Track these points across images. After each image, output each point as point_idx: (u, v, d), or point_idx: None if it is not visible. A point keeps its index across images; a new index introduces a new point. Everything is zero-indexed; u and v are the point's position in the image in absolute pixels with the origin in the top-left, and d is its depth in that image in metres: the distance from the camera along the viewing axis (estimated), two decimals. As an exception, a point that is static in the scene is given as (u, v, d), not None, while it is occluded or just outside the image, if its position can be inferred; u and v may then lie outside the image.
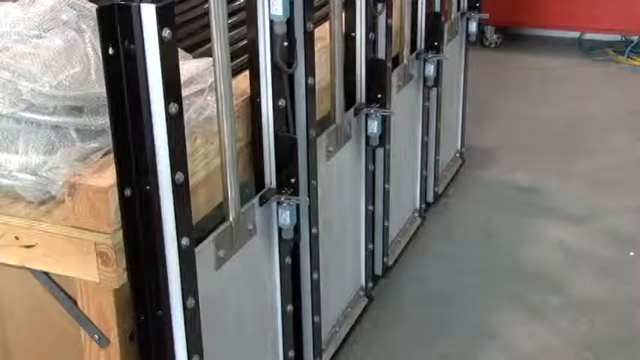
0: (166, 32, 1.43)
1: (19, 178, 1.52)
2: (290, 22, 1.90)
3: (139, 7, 1.41)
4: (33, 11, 1.55)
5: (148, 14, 1.41)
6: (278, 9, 1.83)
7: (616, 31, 5.26)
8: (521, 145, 4.06)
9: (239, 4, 2.60)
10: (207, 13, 1.71)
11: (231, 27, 2.27)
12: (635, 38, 5.17)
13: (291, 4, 1.88)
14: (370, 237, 2.76)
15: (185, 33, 2.49)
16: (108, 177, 1.53)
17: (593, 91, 4.74)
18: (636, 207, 3.46)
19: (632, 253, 3.10)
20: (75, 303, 1.64)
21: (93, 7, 1.65)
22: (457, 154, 3.84)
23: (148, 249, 1.54)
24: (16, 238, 1.58)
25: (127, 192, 1.48)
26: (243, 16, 2.35)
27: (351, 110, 2.51)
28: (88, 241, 1.53)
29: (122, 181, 1.48)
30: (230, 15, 2.25)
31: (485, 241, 3.23)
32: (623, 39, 5.30)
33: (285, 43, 1.90)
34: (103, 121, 1.56)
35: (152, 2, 1.40)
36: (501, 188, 3.65)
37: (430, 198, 3.42)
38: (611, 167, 3.82)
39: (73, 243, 1.54)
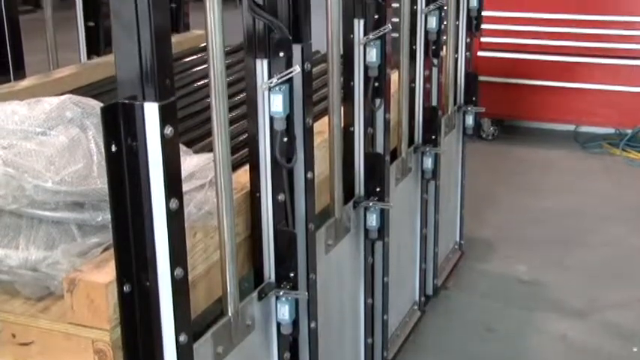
0: (168, 130, 1.45)
1: (19, 274, 1.52)
2: (290, 118, 1.93)
3: (143, 105, 1.44)
4: (39, 109, 1.59)
5: (151, 112, 1.44)
6: (278, 106, 1.87)
7: (610, 124, 5.34)
8: (519, 236, 4.07)
9: (240, 98, 2.66)
10: (208, 108, 1.75)
11: (232, 121, 2.31)
12: (628, 131, 5.24)
13: (291, 100, 1.91)
14: (369, 331, 2.74)
15: (186, 127, 2.53)
16: (107, 272, 1.53)
17: (590, 183, 4.78)
18: (637, 300, 3.44)
19: (635, 349, 3.06)
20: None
21: (97, 105, 1.69)
22: (456, 246, 3.84)
23: (146, 345, 1.52)
24: (13, 335, 1.57)
25: (127, 288, 1.48)
26: (244, 110, 2.40)
27: (350, 203, 2.52)
28: (86, 338, 1.52)
29: (122, 276, 1.48)
30: (230, 109, 2.29)
31: (485, 335, 3.20)
32: (617, 132, 5.38)
33: (285, 139, 1.93)
34: (104, 216, 1.57)
35: (155, 101, 1.44)
36: (501, 280, 3.64)
37: (429, 291, 3.41)
38: (610, 260, 3.82)
39: (71, 340, 1.53)
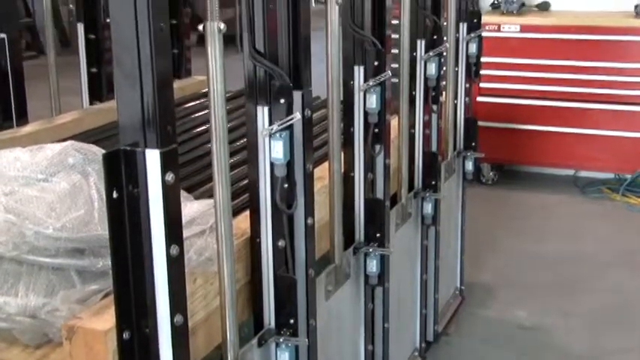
0: (169, 176, 1.46)
1: (18, 321, 1.52)
2: (290, 164, 1.94)
3: (144, 152, 1.45)
4: (41, 156, 1.60)
5: (153, 159, 1.45)
6: (279, 152, 1.88)
7: (610, 169, 5.36)
8: (520, 282, 4.05)
9: (240, 144, 2.67)
10: (209, 153, 1.76)
11: (233, 166, 2.32)
12: (628, 176, 5.26)
13: (292, 146, 1.93)
14: (370, 377, 2.71)
15: (187, 172, 2.54)
16: (107, 320, 1.52)
17: (591, 228, 4.78)
18: (639, 346, 3.42)
19: (637, 396, 3.04)
20: None
21: (99, 151, 1.70)
22: (457, 292, 3.83)
23: (145, 393, 1.51)
24: (11, 382, 1.56)
25: (126, 335, 1.47)
26: (244, 156, 2.42)
27: (350, 249, 2.52)
28: (84, 385, 1.51)
29: (121, 323, 1.47)
30: (231, 154, 2.30)
31: (487, 382, 3.17)
32: (617, 177, 5.40)
33: (286, 185, 1.94)
34: (105, 262, 1.57)
35: (156, 147, 1.45)
36: (502, 326, 3.62)
37: (430, 337, 3.38)
38: (611, 306, 3.80)
39: (69, 387, 1.52)
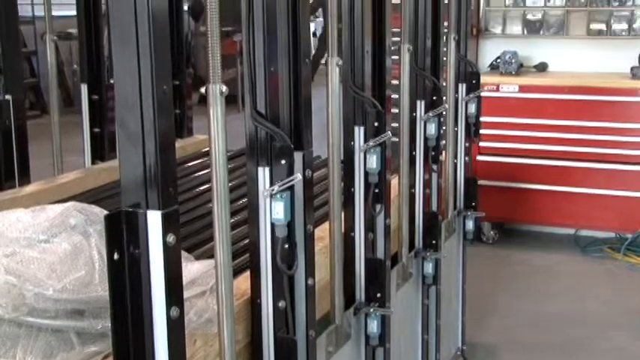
0: (171, 238, 1.47)
1: (16, 385, 1.51)
2: (291, 225, 1.94)
3: (146, 213, 1.45)
4: (43, 216, 1.61)
5: (154, 220, 1.45)
6: (279, 213, 1.89)
7: (611, 228, 5.35)
8: (522, 342, 4.02)
9: (241, 203, 2.68)
10: (209, 213, 1.76)
11: (233, 226, 2.32)
12: (629, 236, 5.25)
13: (292, 207, 1.93)
14: None
15: (188, 232, 2.55)
16: (105, 382, 1.51)
17: (592, 288, 4.75)
18: (643, 409, 3.37)
19: None
20: None
21: (101, 212, 1.71)
22: (458, 352, 3.79)
23: None
24: None
25: (124, 397, 1.46)
26: (245, 215, 2.42)
27: (351, 309, 2.51)
28: None
29: (120, 386, 1.46)
30: (232, 214, 2.31)
31: None
32: (618, 236, 5.39)
33: (286, 246, 1.94)
34: (104, 324, 1.57)
35: (158, 209, 1.45)
36: (504, 388, 3.58)
37: (432, 398, 3.34)
38: (615, 367, 3.76)
39: None
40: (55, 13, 3.45)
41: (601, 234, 5.45)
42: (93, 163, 3.48)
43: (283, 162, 1.90)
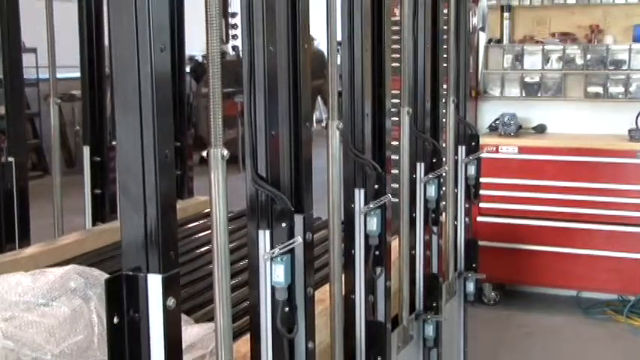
0: (171, 301, 1.47)
1: None
2: (291, 288, 1.94)
3: (146, 277, 1.46)
4: (43, 280, 1.60)
5: (154, 284, 1.45)
6: (280, 276, 1.89)
7: (613, 290, 5.32)
8: (525, 406, 3.96)
9: (242, 265, 2.68)
10: (210, 275, 1.76)
11: (234, 288, 2.31)
12: (632, 298, 5.22)
13: (293, 270, 1.93)
14: None
15: (187, 294, 2.54)
16: None
17: (595, 352, 4.70)
18: None
19: None
20: None
21: (101, 275, 1.71)
22: (460, 417, 3.73)
23: None
24: None
25: None
26: (246, 277, 2.42)
27: (351, 373, 2.49)
28: None
29: None
30: (232, 276, 2.31)
31: None
32: (621, 298, 5.35)
33: (286, 309, 1.93)
34: (102, 389, 1.55)
35: (158, 272, 1.45)
36: None
37: None
38: None
39: None
40: (58, 75, 3.50)
41: (603, 296, 5.41)
42: (94, 224, 3.49)
43: (284, 225, 1.91)
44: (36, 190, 3.55)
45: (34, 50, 7.39)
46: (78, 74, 3.57)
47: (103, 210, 3.51)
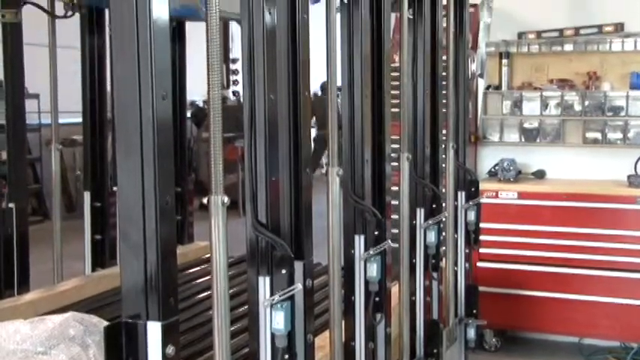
0: (170, 349, 1.46)
1: None
2: (291, 335, 1.93)
3: (146, 324, 1.45)
4: (41, 328, 1.60)
5: (154, 332, 1.45)
6: (279, 323, 1.88)
7: (615, 337, 5.27)
8: None
9: (242, 311, 2.66)
10: (209, 321, 1.75)
11: (233, 334, 2.30)
12: (634, 345, 5.17)
13: (293, 316, 1.92)
14: None
15: (187, 340, 2.52)
16: None
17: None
18: None
19: None
20: None
21: (100, 322, 1.70)
22: None
23: None
24: None
25: None
26: (246, 323, 2.40)
27: (351, 421, 2.46)
28: None
29: None
30: (232, 322, 2.29)
31: None
32: (623, 345, 5.31)
33: (286, 356, 1.92)
34: None
35: (158, 320, 1.45)
36: None
37: None
38: None
39: None
40: (60, 120, 3.53)
41: (605, 343, 5.37)
42: (93, 269, 3.48)
43: (284, 271, 1.91)
44: (36, 235, 3.55)
45: (36, 96, 7.45)
46: (79, 119, 3.59)
47: (103, 255, 3.50)
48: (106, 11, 3.51)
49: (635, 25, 5.22)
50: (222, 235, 1.65)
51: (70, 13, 3.33)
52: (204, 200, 1.65)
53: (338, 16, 2.39)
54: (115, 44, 1.50)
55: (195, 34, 3.59)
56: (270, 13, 1.90)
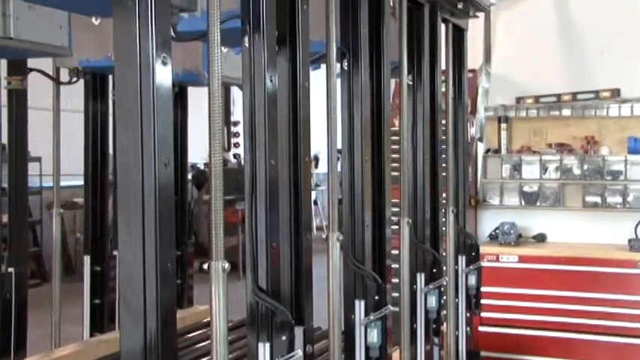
0: None
1: None
2: None
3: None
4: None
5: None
6: None
7: None
8: None
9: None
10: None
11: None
12: None
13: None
14: None
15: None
16: None
17: None
18: None
19: None
20: None
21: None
22: None
23: None
24: None
25: None
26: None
27: None
28: None
29: None
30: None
31: None
32: None
33: None
34: None
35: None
36: None
37: None
38: None
39: None
40: (61, 183, 3.54)
41: None
42: (92, 334, 3.45)
43: (284, 338, 1.89)
44: (34, 298, 3.52)
45: (38, 159, 7.49)
46: (79, 182, 3.61)
47: (102, 320, 3.47)
48: (110, 77, 3.56)
49: (631, 91, 5.29)
50: (223, 301, 1.64)
51: (74, 79, 3.38)
52: (205, 266, 1.65)
53: (338, 81, 2.42)
54: (119, 113, 1.51)
55: (197, 95, 3.64)
56: (271, 80, 1.93)
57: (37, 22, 2.24)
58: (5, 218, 3.13)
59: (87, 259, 3.50)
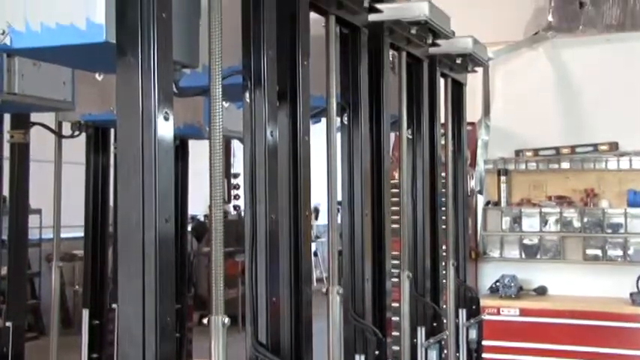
0: None
1: None
2: None
3: None
4: None
5: None
6: None
7: None
8: None
9: None
10: None
11: None
12: None
13: None
14: None
15: None
16: None
17: None
18: None
19: None
20: None
21: None
22: None
23: None
24: None
25: None
26: None
27: None
28: None
29: None
30: None
31: None
32: None
33: None
34: None
35: None
36: None
37: None
38: None
39: None
40: (61, 235, 3.53)
41: None
42: (89, 390, 3.41)
43: (284, 398, 1.88)
44: (31, 352, 3.49)
45: (38, 211, 7.49)
46: (78, 233, 3.60)
47: (100, 375, 3.44)
48: (112, 130, 3.58)
49: (629, 144, 5.33)
50: (223, 357, 1.64)
51: (77, 132, 3.40)
52: (205, 320, 1.64)
53: (338, 135, 2.44)
54: (120, 168, 1.52)
55: (198, 147, 3.65)
56: (272, 134, 1.94)
57: (41, 77, 2.27)
58: (4, 271, 3.12)
59: (85, 313, 3.48)
